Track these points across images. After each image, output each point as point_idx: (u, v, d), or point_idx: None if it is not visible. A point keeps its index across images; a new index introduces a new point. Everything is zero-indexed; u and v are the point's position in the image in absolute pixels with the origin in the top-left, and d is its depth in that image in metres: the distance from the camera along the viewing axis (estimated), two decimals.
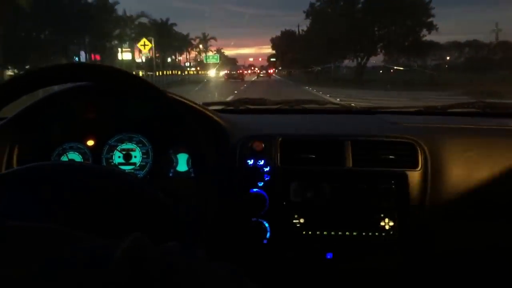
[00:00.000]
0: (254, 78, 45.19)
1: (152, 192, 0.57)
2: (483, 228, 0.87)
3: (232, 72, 36.19)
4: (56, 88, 0.79)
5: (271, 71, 56.25)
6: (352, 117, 1.22)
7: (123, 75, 0.67)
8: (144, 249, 0.31)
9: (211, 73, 47.18)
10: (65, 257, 0.29)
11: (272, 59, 65.73)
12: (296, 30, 48.16)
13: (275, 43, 56.88)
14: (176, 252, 0.34)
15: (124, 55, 45.45)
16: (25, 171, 0.52)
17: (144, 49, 18.36)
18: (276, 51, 58.80)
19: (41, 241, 0.31)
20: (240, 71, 38.28)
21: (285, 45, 49.50)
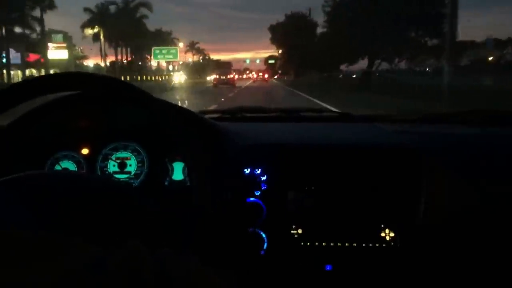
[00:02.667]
0: (249, 82, 45.25)
1: (145, 201, 0.70)
2: (488, 241, 1.03)
3: (222, 77, 36.80)
4: (50, 97, 1.02)
5: (266, 75, 56.91)
6: (351, 125, 1.45)
7: (115, 83, 0.84)
8: (140, 257, 0.38)
9: (175, 78, 43.82)
10: (60, 265, 0.35)
11: (270, 61, 62.85)
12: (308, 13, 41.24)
13: (276, 33, 48.09)
14: (171, 259, 0.41)
15: (55, 53, 38.56)
16: (18, 180, 0.61)
17: None
18: (277, 45, 51.08)
19: (37, 249, 0.36)
20: (231, 76, 38.35)
21: (292, 35, 40.99)
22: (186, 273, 0.39)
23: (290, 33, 41.73)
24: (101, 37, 44.50)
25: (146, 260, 0.37)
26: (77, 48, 49.46)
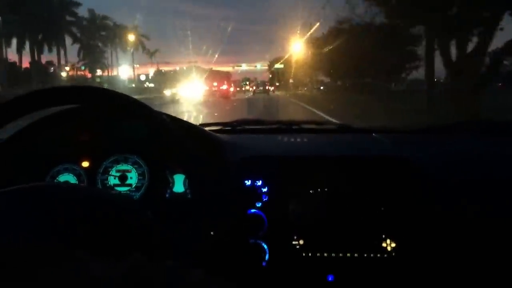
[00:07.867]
0: (249, 95, 44.70)
1: (142, 214, 0.72)
2: (488, 250, 1.06)
3: (213, 89, 35.47)
4: (51, 110, 1.06)
5: (272, 87, 55.38)
6: (350, 136, 1.50)
7: (116, 96, 0.89)
8: (143, 270, 0.39)
9: None
10: (65, 277, 0.36)
11: (277, 66, 57.48)
12: None
13: None
14: (175, 271, 0.42)
15: None
16: (20, 191, 0.63)
17: None
18: None
19: (38, 262, 0.38)
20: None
21: None
22: (189, 286, 0.40)
23: None
24: None
25: (150, 273, 0.38)
26: None
